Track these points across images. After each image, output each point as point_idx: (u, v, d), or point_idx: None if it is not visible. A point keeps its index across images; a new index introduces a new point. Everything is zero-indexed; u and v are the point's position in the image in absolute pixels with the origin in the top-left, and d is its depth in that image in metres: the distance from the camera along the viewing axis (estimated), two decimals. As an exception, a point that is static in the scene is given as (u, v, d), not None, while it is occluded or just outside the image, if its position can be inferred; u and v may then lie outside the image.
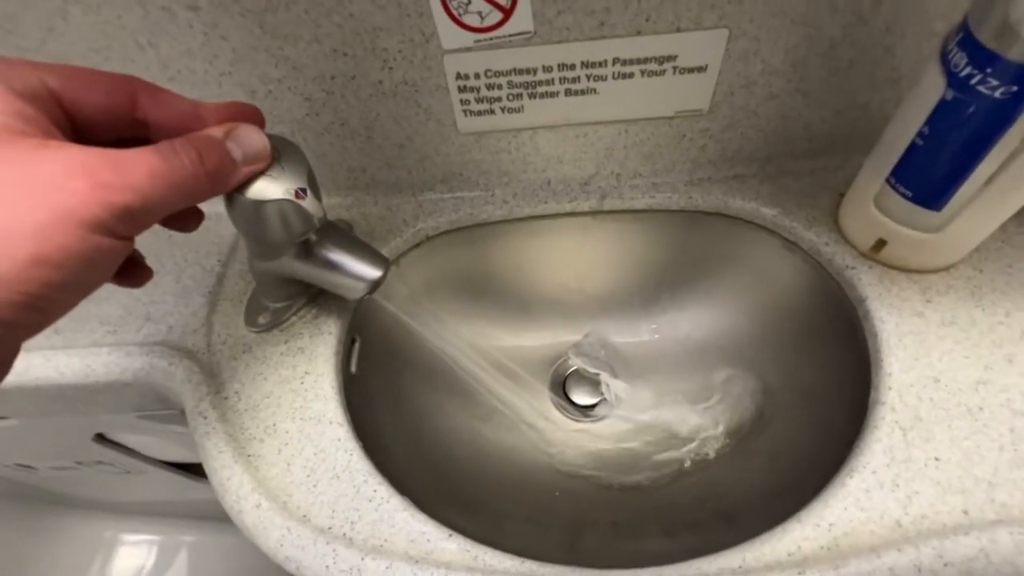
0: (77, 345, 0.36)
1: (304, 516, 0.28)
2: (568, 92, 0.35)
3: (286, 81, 0.34)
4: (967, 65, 0.25)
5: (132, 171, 0.17)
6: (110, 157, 0.17)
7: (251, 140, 0.22)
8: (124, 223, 0.17)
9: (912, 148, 0.29)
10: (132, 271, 0.24)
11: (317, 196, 0.27)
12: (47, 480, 0.59)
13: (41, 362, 0.35)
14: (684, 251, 0.42)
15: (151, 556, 0.76)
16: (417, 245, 0.41)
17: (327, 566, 0.26)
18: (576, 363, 0.42)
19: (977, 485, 0.26)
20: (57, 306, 0.18)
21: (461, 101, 0.35)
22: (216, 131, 0.21)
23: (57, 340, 0.36)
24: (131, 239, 0.19)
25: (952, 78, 0.26)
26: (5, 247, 0.15)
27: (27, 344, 0.37)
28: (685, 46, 0.33)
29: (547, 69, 0.34)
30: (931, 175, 0.29)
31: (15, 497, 0.67)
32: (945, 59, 0.26)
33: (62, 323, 0.37)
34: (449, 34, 0.32)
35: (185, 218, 0.25)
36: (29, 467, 0.54)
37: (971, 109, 0.26)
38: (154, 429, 0.45)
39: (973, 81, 0.25)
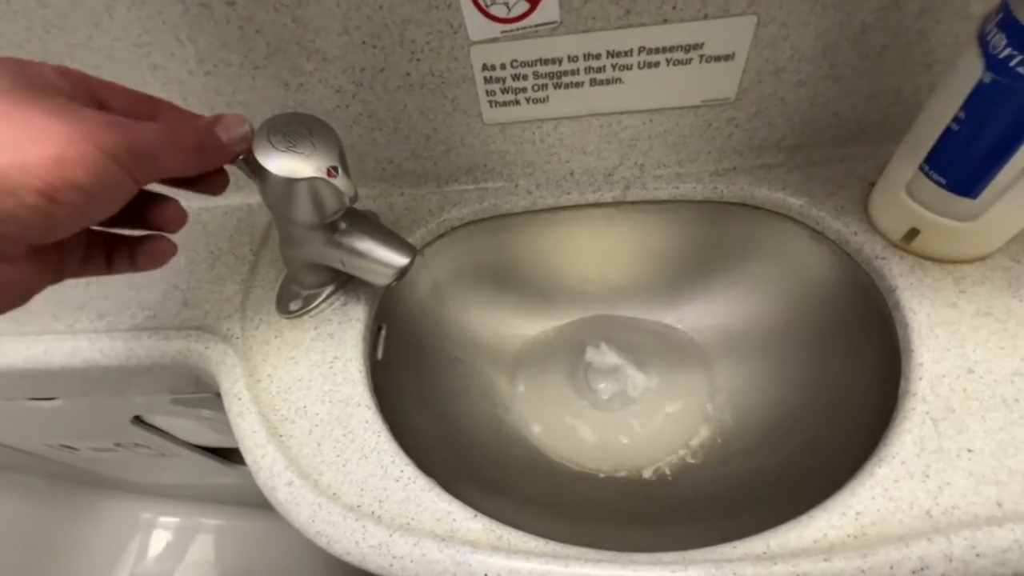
0: (119, 329, 0.37)
1: (334, 494, 0.29)
2: (593, 82, 0.35)
3: (317, 74, 0.35)
4: (1007, 47, 0.24)
5: (141, 126, 0.22)
6: (126, 119, 0.22)
7: (233, 125, 0.26)
8: (131, 158, 0.21)
9: (947, 134, 0.28)
10: (208, 178, 0.27)
11: (348, 175, 0.28)
12: (88, 461, 0.62)
13: (87, 345, 0.37)
14: (708, 242, 0.42)
15: (183, 537, 0.79)
16: (442, 235, 0.41)
17: (357, 541, 0.27)
18: (595, 359, 0.42)
19: (1012, 477, 0.26)
20: (65, 211, 0.20)
21: (487, 92, 0.36)
22: (208, 119, 0.26)
23: (101, 324, 0.38)
24: (136, 182, 0.22)
25: (990, 60, 0.25)
26: (36, 144, 0.19)
27: (74, 328, 0.39)
28: (712, 33, 0.32)
29: (572, 59, 0.34)
30: (966, 161, 0.29)
31: (59, 477, 0.70)
32: (983, 41, 0.25)
33: (106, 307, 0.39)
34: (476, 25, 0.32)
35: (211, 180, 0.28)
36: (72, 448, 0.57)
37: (1010, 92, 0.25)
38: (187, 413, 0.47)
39: (1013, 63, 0.24)
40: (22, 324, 0.38)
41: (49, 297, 0.40)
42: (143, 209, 0.26)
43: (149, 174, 0.22)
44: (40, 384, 0.41)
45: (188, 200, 0.44)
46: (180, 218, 0.27)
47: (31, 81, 0.20)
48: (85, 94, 0.23)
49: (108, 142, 0.20)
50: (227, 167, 0.27)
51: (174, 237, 0.27)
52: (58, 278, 0.24)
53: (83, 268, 0.25)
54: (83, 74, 0.23)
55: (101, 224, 0.24)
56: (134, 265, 0.26)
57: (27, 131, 0.19)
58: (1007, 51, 0.24)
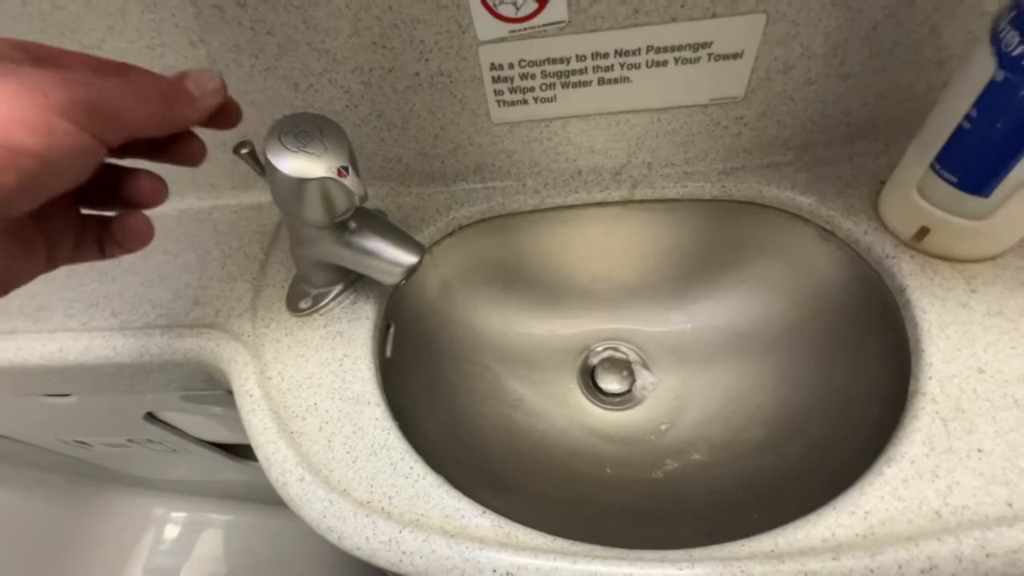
0: (132, 326, 0.38)
1: (344, 490, 0.29)
2: (601, 81, 0.35)
3: (327, 74, 0.36)
4: (1019, 44, 0.24)
5: (101, 81, 0.20)
6: (83, 73, 0.20)
7: (204, 79, 0.24)
8: (90, 116, 0.19)
9: (958, 132, 0.28)
10: (182, 145, 0.25)
11: (358, 174, 0.28)
12: (101, 457, 0.62)
13: (101, 342, 0.37)
14: (717, 241, 0.42)
15: (195, 532, 0.80)
16: (450, 234, 0.42)
17: (367, 537, 0.27)
18: (603, 358, 0.42)
19: (1023, 477, 0.25)
20: (16, 179, 0.18)
21: (495, 91, 0.36)
22: (175, 74, 0.23)
23: (114, 322, 0.38)
24: (103, 142, 0.20)
25: (1003, 58, 0.25)
26: None
27: (88, 326, 0.39)
28: (721, 32, 0.32)
29: (580, 58, 0.34)
30: (978, 160, 0.28)
31: (73, 473, 0.71)
32: (996, 38, 0.25)
33: (119, 305, 0.39)
34: (485, 25, 0.32)
35: (186, 148, 0.25)
36: (86, 444, 0.58)
37: (1022, 90, 0.25)
38: (198, 409, 0.48)
39: (1025, 61, 0.24)
40: (37, 322, 0.39)
41: (63, 295, 0.40)
42: (120, 185, 0.24)
43: (114, 132, 0.20)
44: (55, 381, 0.42)
45: (200, 200, 0.44)
46: (155, 188, 0.25)
47: None
48: (46, 63, 0.21)
49: (60, 100, 0.18)
50: (234, 163, 0.26)
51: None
52: (52, 265, 0.23)
53: (76, 254, 0.24)
54: (42, 44, 0.21)
55: (87, 202, 0.23)
56: (120, 246, 0.25)
57: None
58: (1020, 48, 0.24)
